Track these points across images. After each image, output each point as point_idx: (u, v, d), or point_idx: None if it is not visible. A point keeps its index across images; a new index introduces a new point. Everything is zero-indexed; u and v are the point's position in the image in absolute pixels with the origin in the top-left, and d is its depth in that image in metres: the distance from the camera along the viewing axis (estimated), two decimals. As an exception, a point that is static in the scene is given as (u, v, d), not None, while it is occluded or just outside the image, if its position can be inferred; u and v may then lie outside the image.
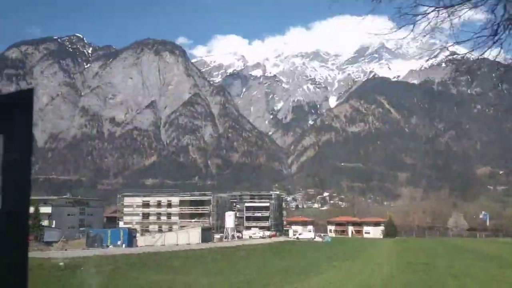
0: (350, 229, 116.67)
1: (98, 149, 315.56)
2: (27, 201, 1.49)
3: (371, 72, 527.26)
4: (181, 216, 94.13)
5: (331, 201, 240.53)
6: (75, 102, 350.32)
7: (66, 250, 54.31)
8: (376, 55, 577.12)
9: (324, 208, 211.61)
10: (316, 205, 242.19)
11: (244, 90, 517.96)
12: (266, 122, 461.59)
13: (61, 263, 29.73)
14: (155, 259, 38.13)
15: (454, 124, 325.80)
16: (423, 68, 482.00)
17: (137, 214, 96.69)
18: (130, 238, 66.65)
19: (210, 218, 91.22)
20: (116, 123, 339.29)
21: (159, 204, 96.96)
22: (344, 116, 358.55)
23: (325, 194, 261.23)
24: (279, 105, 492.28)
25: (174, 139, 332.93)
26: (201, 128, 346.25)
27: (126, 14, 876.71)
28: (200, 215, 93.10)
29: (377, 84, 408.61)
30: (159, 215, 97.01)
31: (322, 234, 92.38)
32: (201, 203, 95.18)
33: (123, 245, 62.05)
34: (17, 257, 1.33)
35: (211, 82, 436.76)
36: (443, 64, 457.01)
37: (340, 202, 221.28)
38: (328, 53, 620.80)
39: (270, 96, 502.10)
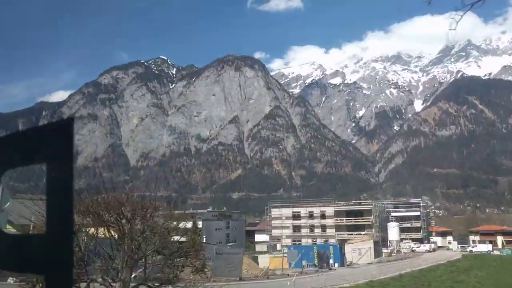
0: (500, 239, 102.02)
1: (186, 166, 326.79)
2: (71, 226, 1.47)
3: (458, 71, 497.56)
4: (337, 228, 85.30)
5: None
6: (163, 121, 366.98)
7: (268, 277, 39.91)
8: (463, 53, 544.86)
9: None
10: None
11: (323, 99, 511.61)
12: (348, 130, 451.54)
13: None
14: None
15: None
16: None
17: (287, 227, 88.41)
18: (342, 255, 55.30)
19: (373, 230, 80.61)
20: (201, 140, 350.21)
21: (311, 215, 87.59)
22: (432, 119, 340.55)
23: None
24: (361, 112, 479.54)
25: (257, 152, 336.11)
26: (283, 140, 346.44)
27: (206, 33, 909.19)
28: (359, 227, 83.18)
29: (467, 84, 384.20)
30: (312, 227, 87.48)
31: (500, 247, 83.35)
32: (360, 213, 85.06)
33: (336, 264, 51.78)
34: (61, 282, 1.30)
35: (291, 94, 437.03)
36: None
37: (437, 211, 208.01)
38: (410, 55, 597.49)
39: (351, 104, 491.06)
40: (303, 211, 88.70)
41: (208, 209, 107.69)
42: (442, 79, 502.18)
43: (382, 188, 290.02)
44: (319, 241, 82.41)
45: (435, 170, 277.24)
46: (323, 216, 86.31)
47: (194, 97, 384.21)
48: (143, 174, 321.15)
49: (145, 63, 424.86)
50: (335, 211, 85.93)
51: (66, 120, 1.37)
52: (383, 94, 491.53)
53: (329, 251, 51.93)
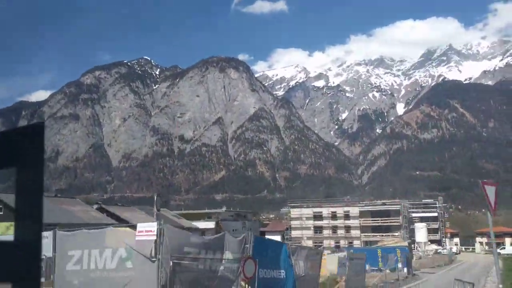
0: (509, 240, 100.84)
1: (169, 166, 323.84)
2: (39, 232, 1.46)
3: (440, 76, 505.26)
4: (363, 229, 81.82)
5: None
6: (146, 122, 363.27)
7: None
8: (444, 58, 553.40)
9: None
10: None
11: (307, 101, 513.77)
12: (331, 132, 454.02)
13: None
14: None
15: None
16: (497, 68, 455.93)
17: (307, 228, 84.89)
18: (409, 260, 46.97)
19: (402, 232, 76.76)
20: (185, 141, 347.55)
21: (334, 216, 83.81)
22: (415, 122, 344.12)
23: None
24: (344, 115, 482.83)
25: (241, 153, 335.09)
26: (267, 141, 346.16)
27: (190, 34, 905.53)
28: (385, 228, 79.18)
29: (448, 88, 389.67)
30: (335, 228, 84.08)
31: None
32: (387, 213, 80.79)
33: (404, 269, 44.44)
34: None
35: (275, 96, 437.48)
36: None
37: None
38: (392, 59, 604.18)
39: (334, 106, 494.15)
40: (325, 211, 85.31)
41: (223, 209, 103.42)
42: (424, 83, 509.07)
43: (365, 190, 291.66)
44: (343, 243, 79.74)
45: (417, 172, 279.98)
46: (347, 216, 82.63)
47: (178, 98, 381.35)
48: (126, 175, 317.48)
49: (128, 64, 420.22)
50: (360, 211, 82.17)
51: (36, 124, 1.37)
52: (366, 97, 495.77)
53: (395, 254, 44.40)
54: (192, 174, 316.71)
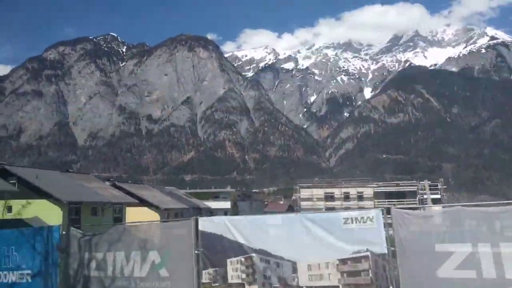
0: None
1: (136, 146, 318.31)
2: None
3: (406, 61, 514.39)
4: None
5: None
6: (112, 100, 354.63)
7: None
8: (411, 44, 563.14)
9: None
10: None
11: (276, 83, 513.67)
12: (300, 115, 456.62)
13: None
14: None
15: (499, 112, 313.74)
16: (461, 55, 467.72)
17: (318, 209, 78.38)
18: None
19: None
20: (153, 120, 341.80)
21: (347, 197, 79.04)
22: (382, 107, 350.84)
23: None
24: (313, 98, 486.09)
25: (210, 134, 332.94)
26: (237, 123, 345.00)
27: (157, 10, 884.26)
28: None
29: (414, 73, 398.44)
30: (347, 209, 78.16)
31: None
32: (402, 194, 75.15)
33: None
34: None
35: (244, 77, 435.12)
36: (483, 50, 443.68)
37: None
38: (360, 43, 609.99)
39: (303, 89, 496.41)
40: (337, 191, 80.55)
41: (228, 188, 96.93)
42: (391, 67, 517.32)
43: (333, 172, 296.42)
44: None
45: (384, 156, 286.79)
46: (360, 197, 78.25)
47: (145, 76, 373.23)
48: (92, 154, 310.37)
49: (94, 40, 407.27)
50: (374, 192, 77.52)
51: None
52: (334, 81, 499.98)
53: None
54: (160, 155, 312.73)
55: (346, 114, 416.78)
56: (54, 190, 36.66)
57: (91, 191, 42.44)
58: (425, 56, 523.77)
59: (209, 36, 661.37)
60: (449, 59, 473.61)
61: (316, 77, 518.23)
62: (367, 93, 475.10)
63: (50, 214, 33.84)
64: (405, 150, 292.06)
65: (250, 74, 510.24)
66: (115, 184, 52.73)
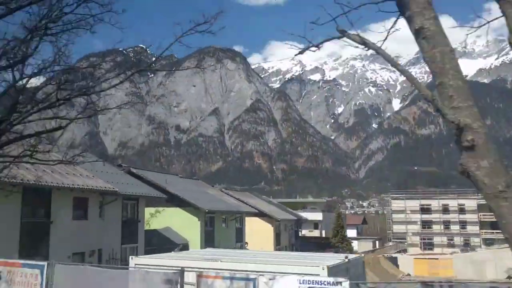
0: None
1: (165, 156, 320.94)
2: None
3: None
4: (481, 225, 70.68)
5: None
6: (142, 111, 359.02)
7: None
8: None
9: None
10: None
11: (303, 94, 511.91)
12: (327, 126, 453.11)
13: None
14: None
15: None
16: (493, 67, 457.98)
17: (413, 222, 74.32)
18: None
19: None
20: (181, 130, 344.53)
21: (445, 209, 73.30)
22: (412, 118, 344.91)
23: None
24: (340, 109, 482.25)
25: (238, 145, 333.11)
26: (265, 133, 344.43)
27: (186, 22, 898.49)
28: None
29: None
30: (447, 223, 72.97)
31: None
32: None
33: None
34: None
35: (271, 88, 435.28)
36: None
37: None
38: (388, 55, 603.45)
39: (330, 100, 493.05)
40: (434, 203, 74.73)
41: (324, 199, 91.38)
42: (420, 79, 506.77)
43: (362, 184, 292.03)
44: (457, 240, 70.56)
45: (415, 168, 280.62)
46: (461, 210, 72.37)
47: (174, 87, 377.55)
48: (122, 163, 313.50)
49: (124, 51, 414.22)
50: (478, 204, 69.73)
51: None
52: (362, 92, 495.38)
53: None
54: (188, 164, 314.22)
55: (374, 126, 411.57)
56: (191, 197, 33.46)
57: (215, 198, 40.26)
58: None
59: (236, 48, 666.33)
60: (480, 71, 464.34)
61: (343, 88, 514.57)
62: (396, 104, 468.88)
63: (184, 224, 31.47)
64: (438, 162, 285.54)
65: (276, 85, 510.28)
66: (222, 190, 49.55)
